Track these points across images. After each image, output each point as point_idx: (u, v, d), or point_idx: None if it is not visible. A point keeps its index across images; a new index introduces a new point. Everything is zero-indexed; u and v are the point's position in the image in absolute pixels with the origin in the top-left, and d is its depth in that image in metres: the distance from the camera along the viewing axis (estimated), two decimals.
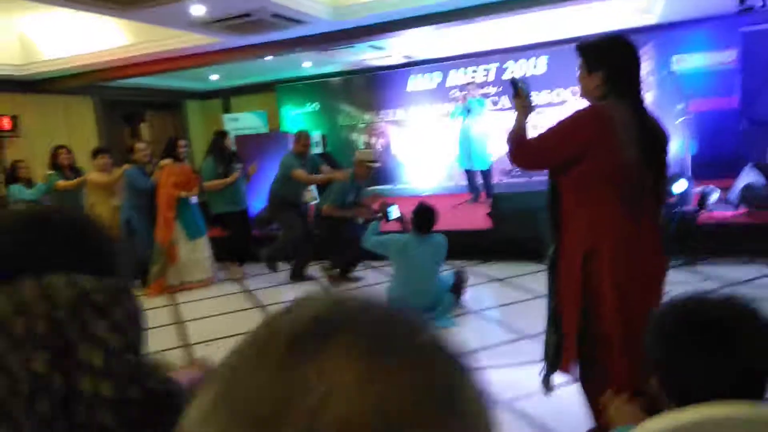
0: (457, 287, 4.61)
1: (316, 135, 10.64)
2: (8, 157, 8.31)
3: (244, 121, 11.53)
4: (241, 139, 8.18)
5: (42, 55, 7.81)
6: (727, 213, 5.58)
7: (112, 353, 0.73)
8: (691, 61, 8.41)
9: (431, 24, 6.65)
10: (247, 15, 5.66)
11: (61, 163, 6.15)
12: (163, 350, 4.07)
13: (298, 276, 5.89)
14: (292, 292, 5.56)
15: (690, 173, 7.08)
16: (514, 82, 2.41)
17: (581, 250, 2.12)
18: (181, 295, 5.68)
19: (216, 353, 3.90)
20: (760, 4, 3.81)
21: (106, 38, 7.14)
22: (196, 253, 5.90)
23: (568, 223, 2.20)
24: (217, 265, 6.19)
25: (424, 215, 4.43)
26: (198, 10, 5.38)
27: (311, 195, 6.04)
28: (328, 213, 5.50)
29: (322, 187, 6.17)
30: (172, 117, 12.41)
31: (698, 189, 6.45)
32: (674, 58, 8.43)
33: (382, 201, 5.11)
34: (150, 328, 3.36)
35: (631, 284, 2.06)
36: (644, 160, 2.08)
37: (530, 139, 2.27)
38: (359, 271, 5.83)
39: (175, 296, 5.67)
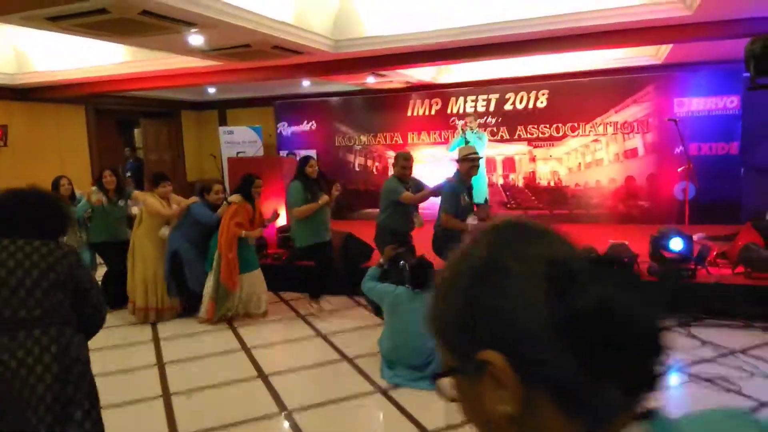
0: None
1: (311, 154, 10.57)
2: None
3: (239, 135, 11.40)
4: (234, 162, 8.02)
5: (36, 66, 7.64)
6: (725, 272, 5.50)
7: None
8: (692, 105, 8.37)
9: (431, 61, 6.59)
10: (246, 46, 5.53)
11: (107, 188, 5.89)
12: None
13: None
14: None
15: (687, 220, 7.05)
16: None
17: None
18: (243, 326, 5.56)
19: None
20: None
21: (102, 54, 6.98)
22: (246, 287, 5.62)
23: None
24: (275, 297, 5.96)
25: (421, 271, 4.29)
26: (196, 41, 5.25)
27: (420, 220, 5.51)
28: (447, 223, 5.10)
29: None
30: (167, 126, 12.25)
31: (696, 236, 6.40)
32: (675, 100, 8.39)
33: (389, 246, 4.97)
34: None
35: None
36: None
37: None
38: None
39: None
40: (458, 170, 5.23)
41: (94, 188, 5.98)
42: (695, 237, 6.32)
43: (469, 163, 5.13)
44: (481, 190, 7.88)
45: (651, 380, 0.57)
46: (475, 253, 0.61)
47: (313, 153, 10.59)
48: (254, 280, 5.68)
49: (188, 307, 5.86)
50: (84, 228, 6.12)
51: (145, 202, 5.64)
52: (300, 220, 5.55)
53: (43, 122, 9.03)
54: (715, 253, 5.75)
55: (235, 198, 5.58)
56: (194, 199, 5.73)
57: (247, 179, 5.72)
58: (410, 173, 5.46)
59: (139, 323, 5.68)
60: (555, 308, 0.54)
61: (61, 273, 2.15)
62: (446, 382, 0.62)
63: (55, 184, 6.02)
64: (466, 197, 5.12)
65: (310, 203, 5.47)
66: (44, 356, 2.06)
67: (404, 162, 5.40)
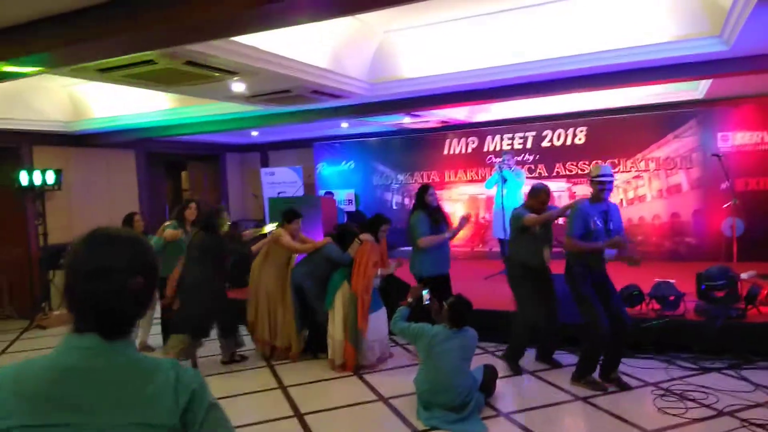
0: (487, 385, 4.40)
1: (349, 193, 10.74)
2: (49, 211, 8.57)
3: (280, 176, 11.68)
4: (275, 202, 8.20)
5: (91, 113, 8.08)
6: None
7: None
8: (737, 140, 8.16)
9: (466, 101, 6.67)
10: (286, 91, 5.73)
11: (186, 217, 6.15)
12: None
13: (509, 359, 5.16)
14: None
15: (735, 257, 6.79)
16: None
17: None
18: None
19: None
20: None
21: (152, 101, 7.33)
22: (373, 331, 5.34)
23: None
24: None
25: (460, 309, 4.27)
26: (239, 87, 5.48)
27: (548, 254, 5.03)
28: (568, 246, 4.57)
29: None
30: (212, 167, 12.66)
31: (746, 275, 6.15)
32: (719, 135, 8.21)
33: (416, 285, 4.95)
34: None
35: None
36: None
37: None
38: None
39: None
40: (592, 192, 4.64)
41: (167, 223, 6.16)
42: (745, 275, 6.08)
43: (594, 185, 4.54)
44: None
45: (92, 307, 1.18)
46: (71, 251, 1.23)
47: (351, 192, 10.77)
48: (380, 321, 5.43)
49: (307, 347, 5.79)
50: None
51: (280, 237, 5.68)
52: (422, 251, 5.40)
53: (95, 166, 9.47)
54: (766, 292, 5.50)
55: (367, 237, 5.47)
56: (327, 239, 5.71)
57: (378, 219, 5.66)
58: (544, 209, 5.01)
59: (260, 354, 5.80)
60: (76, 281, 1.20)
61: None
62: None
63: (129, 219, 6.17)
64: (597, 221, 4.50)
65: (435, 232, 5.36)
66: None
67: (545, 197, 4.98)
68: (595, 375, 4.61)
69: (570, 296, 4.79)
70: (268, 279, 5.72)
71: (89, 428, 1.09)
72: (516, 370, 5.07)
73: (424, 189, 5.56)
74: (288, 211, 5.79)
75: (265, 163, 12.58)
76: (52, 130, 8.28)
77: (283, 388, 4.94)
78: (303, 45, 5.18)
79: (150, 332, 6.34)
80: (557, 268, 4.97)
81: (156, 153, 10.92)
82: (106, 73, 4.72)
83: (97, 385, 1.12)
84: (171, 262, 6.02)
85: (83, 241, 1.22)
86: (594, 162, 8.91)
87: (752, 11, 3.84)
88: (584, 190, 8.99)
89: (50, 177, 8.27)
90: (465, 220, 5.61)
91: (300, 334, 5.73)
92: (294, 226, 5.72)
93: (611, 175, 4.56)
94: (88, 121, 8.15)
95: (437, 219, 5.44)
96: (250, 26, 3.65)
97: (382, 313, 5.48)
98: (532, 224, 4.93)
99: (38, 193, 8.36)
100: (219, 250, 5.42)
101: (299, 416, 4.31)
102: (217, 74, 4.89)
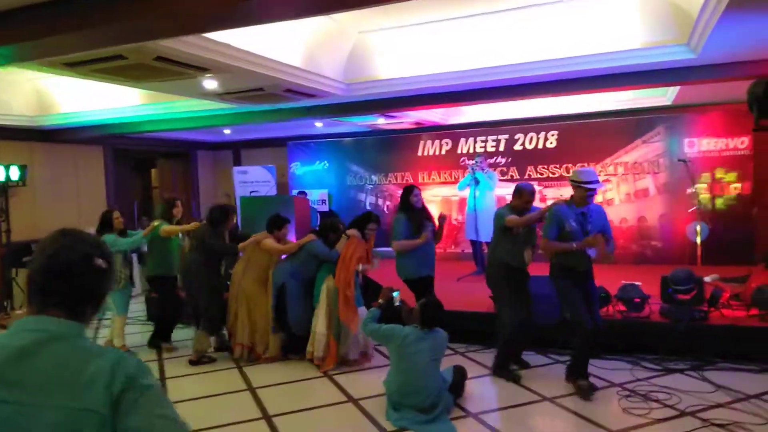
0: (457, 386, 4.43)
1: (323, 193, 10.71)
2: (12, 207, 8.34)
3: (253, 175, 11.58)
4: (247, 201, 8.13)
5: (57, 108, 7.89)
6: (739, 314, 5.40)
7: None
8: (703, 146, 8.38)
9: (440, 103, 6.71)
10: (259, 89, 5.68)
11: (174, 215, 6.07)
12: None
13: (501, 368, 4.98)
14: None
15: (700, 261, 6.96)
16: None
17: None
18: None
19: None
20: None
21: (120, 97, 7.20)
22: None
23: None
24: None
25: (432, 311, 4.28)
26: (210, 85, 5.41)
27: (529, 256, 4.95)
28: (543, 248, 4.58)
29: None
30: (182, 165, 12.47)
31: (709, 278, 6.31)
32: (686, 141, 8.41)
33: (386, 287, 4.94)
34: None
35: None
36: None
37: None
38: None
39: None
40: (572, 195, 4.57)
41: (157, 222, 6.00)
42: (708, 278, 6.24)
43: (581, 190, 4.45)
44: (488, 231, 7.85)
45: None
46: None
47: (325, 192, 10.73)
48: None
49: (286, 346, 5.67)
50: (128, 264, 6.15)
51: (263, 242, 5.64)
52: (402, 253, 5.39)
53: (62, 162, 9.26)
54: (728, 295, 5.65)
55: (353, 232, 5.46)
56: (312, 236, 5.64)
57: (366, 216, 5.65)
58: (529, 208, 4.95)
59: (238, 358, 5.64)
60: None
61: None
62: None
63: (108, 216, 5.93)
64: (572, 223, 4.44)
65: (415, 235, 5.32)
66: None
67: (529, 196, 4.94)
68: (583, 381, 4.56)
69: (543, 297, 4.82)
70: (248, 283, 5.66)
71: (24, 406, 1.13)
72: (511, 377, 4.91)
73: (409, 190, 5.52)
74: (277, 218, 5.75)
75: (237, 162, 12.46)
76: (16, 124, 8.06)
77: (252, 390, 4.89)
78: (276, 43, 5.14)
79: (123, 334, 6.16)
80: (540, 269, 4.99)
81: (125, 150, 10.73)
82: (74, 68, 4.62)
83: (40, 367, 1.16)
84: (160, 261, 6.02)
85: (51, 233, 1.31)
86: (564, 165, 9.05)
87: (719, 20, 3.94)
88: (555, 194, 9.12)
89: (14, 173, 8.05)
90: (443, 218, 5.61)
91: (276, 336, 5.67)
92: (284, 231, 5.75)
93: (598, 181, 4.51)
94: (54, 116, 7.96)
95: (419, 221, 5.40)
96: (224, 23, 3.61)
97: (362, 311, 5.38)
98: (513, 225, 4.90)
99: (1, 189, 8.13)
100: (207, 242, 5.61)
101: (267, 418, 4.27)
102: (188, 71, 4.82)
